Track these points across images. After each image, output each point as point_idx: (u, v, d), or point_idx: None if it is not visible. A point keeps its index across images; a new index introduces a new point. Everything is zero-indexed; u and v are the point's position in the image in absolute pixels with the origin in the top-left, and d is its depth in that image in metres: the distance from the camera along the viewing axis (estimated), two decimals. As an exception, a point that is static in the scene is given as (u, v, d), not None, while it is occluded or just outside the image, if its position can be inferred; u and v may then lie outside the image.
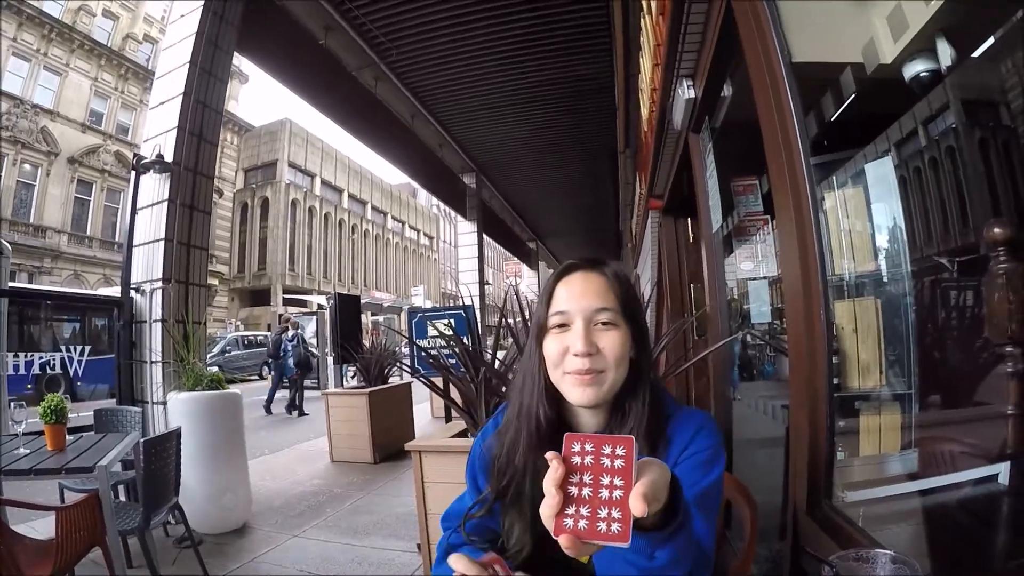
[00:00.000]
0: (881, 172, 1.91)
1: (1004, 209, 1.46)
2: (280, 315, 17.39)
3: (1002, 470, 1.24)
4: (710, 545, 0.97)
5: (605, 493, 0.69)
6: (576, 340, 1.02)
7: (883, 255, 1.90)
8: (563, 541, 0.68)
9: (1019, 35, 1.33)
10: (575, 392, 1.03)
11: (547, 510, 0.70)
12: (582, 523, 0.68)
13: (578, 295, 1.05)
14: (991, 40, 1.45)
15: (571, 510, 0.69)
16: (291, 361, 11.47)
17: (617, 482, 0.69)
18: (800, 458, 1.68)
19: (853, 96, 1.88)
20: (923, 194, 1.78)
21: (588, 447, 0.72)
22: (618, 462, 0.70)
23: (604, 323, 1.04)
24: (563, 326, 1.05)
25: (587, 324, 1.03)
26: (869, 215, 1.93)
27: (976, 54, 1.52)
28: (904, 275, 1.75)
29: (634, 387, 1.07)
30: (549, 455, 0.72)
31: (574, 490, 0.70)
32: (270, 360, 12.80)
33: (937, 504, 1.48)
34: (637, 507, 0.65)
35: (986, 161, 1.55)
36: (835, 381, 1.72)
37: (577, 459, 0.72)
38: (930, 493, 1.50)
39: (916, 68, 1.54)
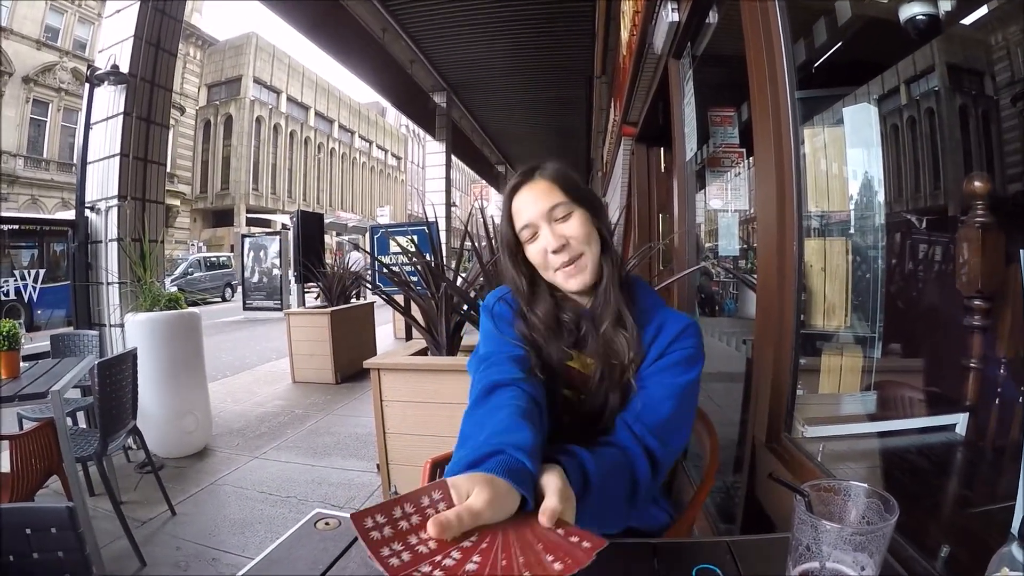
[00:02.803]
0: (863, 119, 1.87)
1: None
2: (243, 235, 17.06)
3: (960, 421, 1.25)
4: (677, 434, 1.12)
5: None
6: (547, 238, 1.17)
7: (857, 201, 1.88)
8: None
9: (1014, 8, 1.28)
10: (569, 283, 1.19)
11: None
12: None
13: (531, 204, 1.19)
14: (984, 9, 1.41)
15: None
16: None
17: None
18: (762, 391, 1.69)
19: (844, 32, 1.81)
20: (898, 151, 1.75)
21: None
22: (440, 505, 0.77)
23: (561, 217, 1.18)
24: (534, 235, 1.19)
25: (549, 223, 1.18)
26: (846, 159, 1.90)
27: (969, 21, 1.48)
28: (876, 224, 1.74)
29: (603, 253, 1.22)
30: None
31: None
32: None
33: (895, 446, 1.51)
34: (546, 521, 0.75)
35: (964, 128, 1.52)
36: (800, 318, 1.72)
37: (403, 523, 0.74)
38: (888, 435, 1.52)
39: (913, 10, 1.47)
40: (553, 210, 1.17)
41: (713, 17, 2.75)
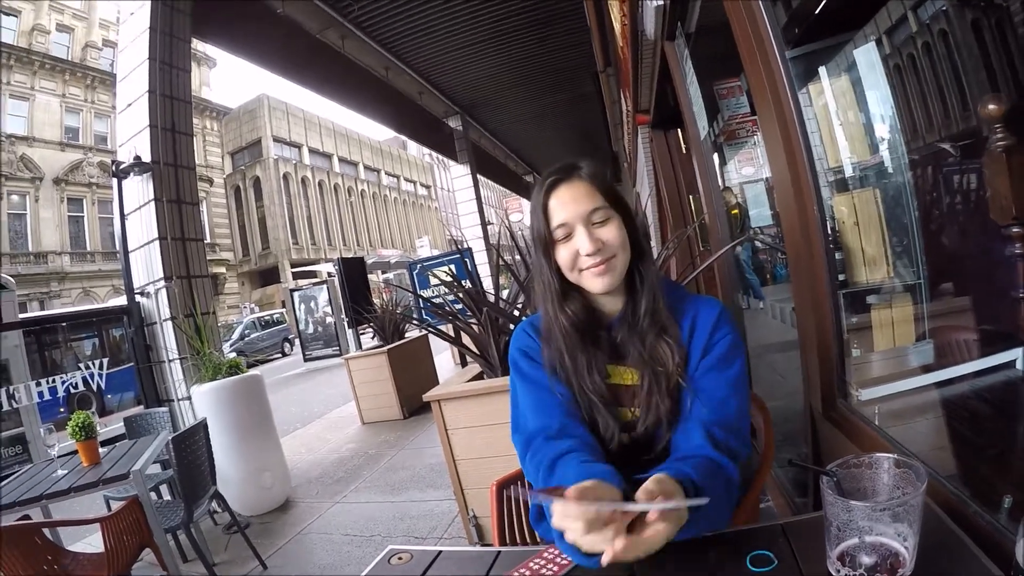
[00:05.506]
0: (871, 60, 1.81)
1: (1002, 88, 1.39)
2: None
3: (1019, 356, 1.19)
4: (746, 424, 1.14)
5: None
6: (583, 243, 1.14)
7: (882, 145, 1.82)
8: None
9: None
10: (595, 283, 1.16)
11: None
12: None
13: (570, 204, 1.16)
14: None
15: None
16: None
17: None
18: (811, 360, 1.65)
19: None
20: (919, 80, 1.69)
21: None
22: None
23: (599, 221, 1.15)
24: (568, 236, 1.17)
25: (586, 226, 1.14)
26: (862, 105, 1.85)
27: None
28: (902, 164, 1.68)
29: (640, 261, 1.20)
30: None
31: None
32: None
33: (954, 394, 1.45)
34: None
35: (980, 42, 1.46)
36: (841, 277, 1.68)
37: None
38: (946, 384, 1.46)
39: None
40: (592, 214, 1.15)
41: (696, -9, 2.73)
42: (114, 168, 4.88)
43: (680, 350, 1.15)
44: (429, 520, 3.64)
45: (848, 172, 1.92)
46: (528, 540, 1.52)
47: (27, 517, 2.92)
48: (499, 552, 1.06)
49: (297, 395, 10.98)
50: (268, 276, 34.46)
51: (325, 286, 15.37)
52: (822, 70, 1.93)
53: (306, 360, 15.59)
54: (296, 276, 31.56)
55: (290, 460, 5.09)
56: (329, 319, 15.16)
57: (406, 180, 50.13)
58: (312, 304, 15.54)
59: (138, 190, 4.92)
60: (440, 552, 1.10)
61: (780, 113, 1.57)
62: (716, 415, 1.09)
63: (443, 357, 9.43)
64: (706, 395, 1.12)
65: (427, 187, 53.60)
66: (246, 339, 20.73)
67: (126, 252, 4.94)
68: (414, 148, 49.56)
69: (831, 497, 0.72)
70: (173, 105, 5.08)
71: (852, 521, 0.69)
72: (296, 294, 16.14)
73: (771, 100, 1.59)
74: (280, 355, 21.63)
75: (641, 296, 1.19)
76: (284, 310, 23.57)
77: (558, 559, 0.98)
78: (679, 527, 0.84)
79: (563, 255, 1.18)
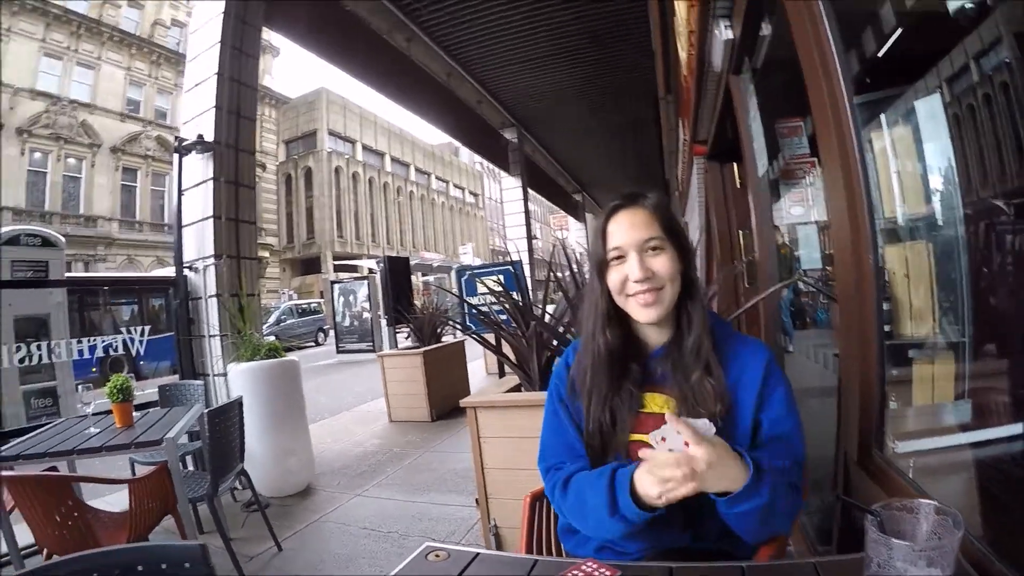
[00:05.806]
0: (931, 110, 1.80)
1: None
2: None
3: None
4: (802, 457, 1.19)
5: None
6: (633, 268, 1.18)
7: (936, 197, 1.80)
8: None
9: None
10: (641, 312, 1.20)
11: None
12: None
13: (627, 229, 1.21)
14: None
15: None
16: None
17: None
18: (851, 407, 1.64)
19: (897, 30, 1.77)
20: (977, 133, 1.68)
21: None
22: None
23: (653, 248, 1.20)
24: (620, 258, 1.21)
25: (639, 253, 1.19)
26: (920, 155, 1.84)
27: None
28: (956, 218, 1.67)
29: (689, 295, 1.24)
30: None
31: None
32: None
33: (991, 457, 1.43)
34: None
35: None
36: (887, 328, 1.67)
37: None
38: (984, 445, 1.45)
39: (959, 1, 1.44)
40: (647, 242, 1.19)
41: (767, 29, 2.72)
42: (177, 144, 5.05)
43: (724, 395, 1.16)
44: (448, 524, 3.67)
45: (901, 222, 1.91)
46: (553, 555, 1.53)
47: (54, 469, 3.02)
48: (536, 560, 1.08)
49: (327, 385, 11.15)
50: (310, 265, 35.12)
51: (366, 282, 15.59)
52: (882, 117, 1.92)
53: (339, 352, 15.83)
54: (337, 268, 32.08)
55: (316, 448, 5.18)
56: (366, 314, 15.38)
57: (455, 186, 50.63)
58: (351, 298, 15.79)
59: (197, 168, 5.07)
60: (478, 554, 1.12)
61: (844, 157, 1.58)
62: (791, 465, 1.14)
63: (476, 365, 9.48)
64: (779, 445, 1.16)
65: (475, 195, 54.03)
66: (282, 324, 21.17)
67: (179, 226, 5.10)
68: (465, 155, 50.10)
69: (875, 534, 0.75)
70: (239, 89, 5.25)
71: (891, 560, 0.72)
72: (336, 286, 16.44)
73: (836, 144, 1.60)
74: (313, 344, 22.01)
75: (688, 333, 1.21)
76: (322, 300, 24.02)
77: (596, 572, 0.99)
78: (718, 455, 0.99)
79: (614, 278, 1.22)
